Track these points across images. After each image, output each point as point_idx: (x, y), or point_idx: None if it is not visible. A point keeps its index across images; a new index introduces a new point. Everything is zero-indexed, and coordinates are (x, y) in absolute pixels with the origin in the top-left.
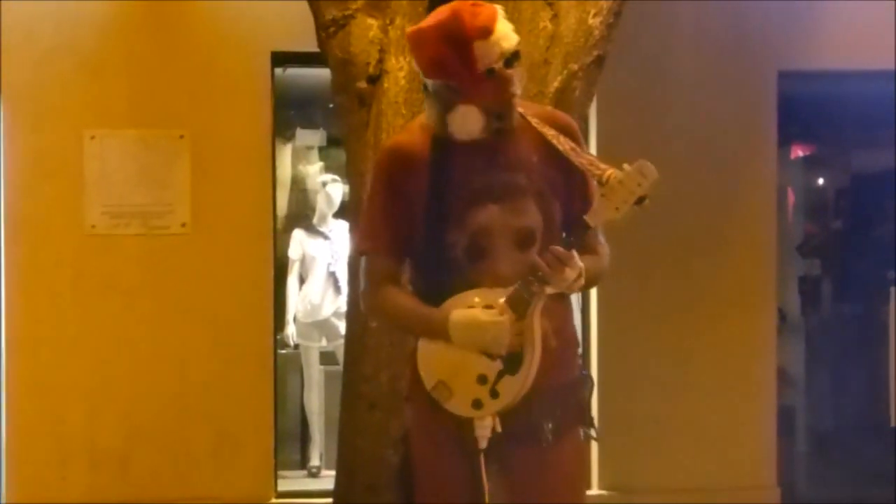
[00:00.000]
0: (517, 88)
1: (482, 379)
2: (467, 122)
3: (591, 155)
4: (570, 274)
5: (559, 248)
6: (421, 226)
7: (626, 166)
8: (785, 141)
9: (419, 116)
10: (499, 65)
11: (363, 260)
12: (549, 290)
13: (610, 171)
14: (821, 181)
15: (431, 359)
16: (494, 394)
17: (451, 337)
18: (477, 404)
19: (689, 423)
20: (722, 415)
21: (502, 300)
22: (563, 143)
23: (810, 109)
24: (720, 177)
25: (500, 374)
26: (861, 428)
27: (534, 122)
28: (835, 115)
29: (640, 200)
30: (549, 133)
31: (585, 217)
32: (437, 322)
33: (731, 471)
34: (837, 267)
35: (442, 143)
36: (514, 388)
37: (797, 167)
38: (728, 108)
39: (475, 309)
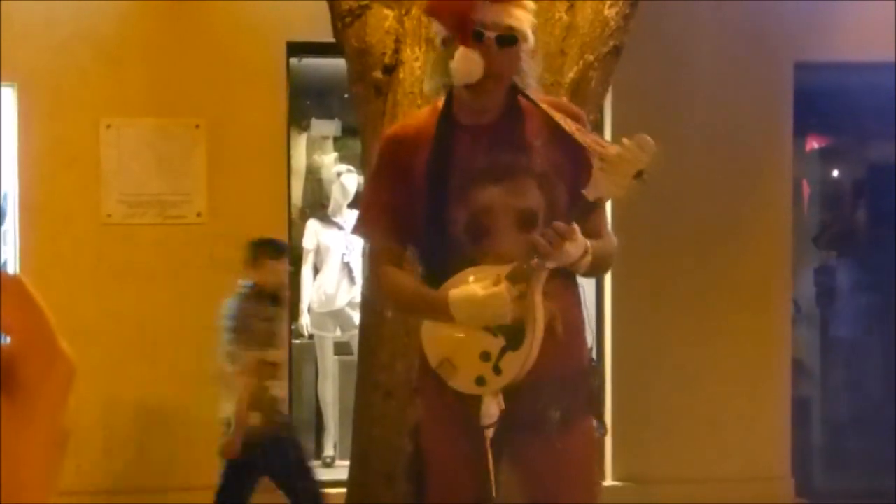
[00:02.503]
0: (504, 70)
1: (485, 356)
2: (467, 63)
3: (596, 135)
4: (572, 249)
5: (559, 223)
6: (421, 205)
7: (625, 141)
8: (801, 132)
9: (430, 105)
10: (489, 33)
11: (366, 243)
12: (551, 265)
13: (612, 149)
14: (836, 172)
15: (435, 337)
16: (497, 370)
17: (453, 315)
18: (480, 381)
19: (703, 413)
20: (737, 406)
21: (503, 275)
22: (569, 124)
23: (827, 101)
24: (736, 168)
25: (503, 351)
26: (876, 419)
27: (543, 105)
28: (851, 106)
29: (638, 174)
30: (557, 115)
31: (584, 191)
32: (438, 302)
33: (745, 461)
34: (853, 258)
35: (446, 123)
36: (516, 363)
37: (813, 158)
38: (744, 99)
39: (472, 285)
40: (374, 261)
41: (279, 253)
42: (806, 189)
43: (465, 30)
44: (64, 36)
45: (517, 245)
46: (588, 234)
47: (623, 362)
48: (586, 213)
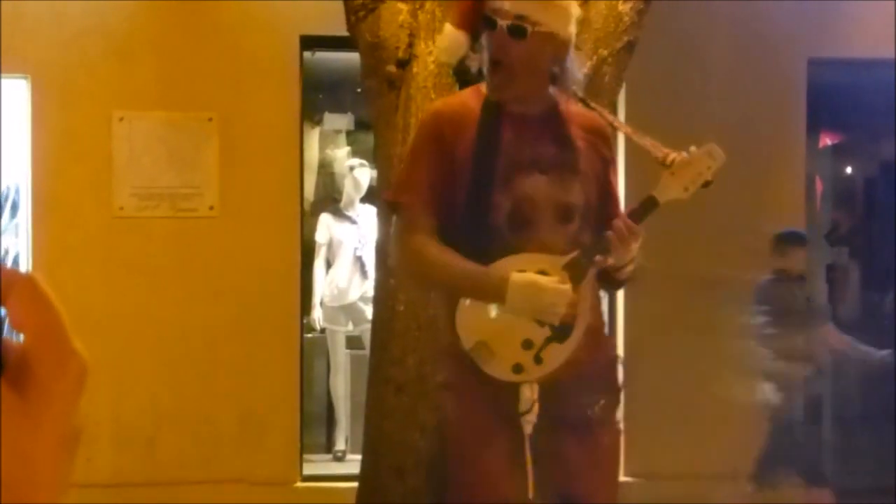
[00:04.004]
0: (515, 60)
1: (527, 343)
2: (446, 40)
3: (651, 139)
4: (636, 249)
5: (630, 221)
6: (462, 188)
7: (693, 149)
8: (814, 129)
9: (473, 87)
10: (503, 22)
11: (397, 213)
12: (607, 262)
13: (673, 154)
14: (849, 169)
15: (474, 318)
16: (538, 360)
17: (507, 297)
18: (518, 368)
19: (714, 410)
20: (748, 402)
21: (560, 266)
22: (623, 127)
23: (840, 97)
24: (749, 164)
25: (548, 341)
26: (887, 416)
27: (594, 105)
28: (864, 103)
29: (706, 183)
30: (609, 117)
31: (653, 193)
32: (493, 282)
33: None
34: (865, 255)
35: (493, 108)
36: (559, 356)
37: (826, 155)
38: (757, 95)
39: (534, 273)
40: (410, 231)
41: (802, 242)
42: (818, 186)
43: (468, 11)
44: (77, 29)
45: (555, 237)
46: None
47: (633, 358)
48: (650, 210)
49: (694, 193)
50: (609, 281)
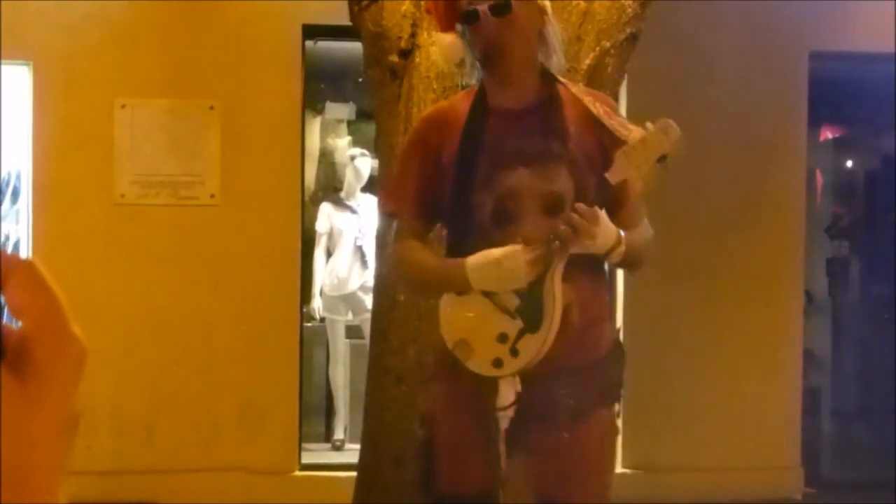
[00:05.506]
0: (510, 41)
1: (503, 337)
2: (442, 47)
3: (622, 118)
4: (599, 234)
5: (582, 205)
6: (449, 189)
7: (648, 125)
8: (815, 122)
9: (469, 88)
10: (483, 7)
11: (394, 222)
12: (575, 249)
13: (636, 132)
14: (850, 163)
15: (453, 317)
16: (514, 352)
17: (470, 281)
18: (497, 363)
19: (714, 402)
20: (747, 395)
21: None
22: (597, 108)
23: (841, 91)
24: (750, 158)
25: (521, 333)
26: (886, 410)
27: (574, 89)
28: (865, 96)
29: (661, 158)
30: (587, 99)
31: (606, 175)
32: (456, 271)
33: (755, 451)
34: (865, 249)
35: (480, 107)
36: (534, 346)
37: (827, 148)
38: (759, 88)
39: (489, 250)
40: (397, 238)
41: None
42: (819, 179)
43: (448, 14)
44: (79, 15)
45: (543, 230)
46: (622, 224)
47: (634, 350)
48: (612, 198)
49: (649, 171)
50: (610, 263)
